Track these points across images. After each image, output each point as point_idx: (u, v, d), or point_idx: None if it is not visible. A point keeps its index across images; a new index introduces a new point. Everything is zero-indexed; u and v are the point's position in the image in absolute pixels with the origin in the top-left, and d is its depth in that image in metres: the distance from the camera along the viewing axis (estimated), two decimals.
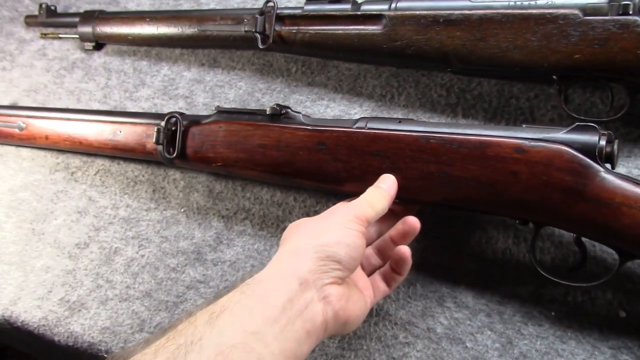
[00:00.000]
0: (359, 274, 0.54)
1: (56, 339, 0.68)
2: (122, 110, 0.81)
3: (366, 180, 0.57)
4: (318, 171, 0.61)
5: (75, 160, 0.80)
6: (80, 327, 0.68)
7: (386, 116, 0.70)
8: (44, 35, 0.93)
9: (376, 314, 0.59)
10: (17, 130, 0.80)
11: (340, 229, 0.49)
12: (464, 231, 0.61)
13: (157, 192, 0.74)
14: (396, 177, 0.56)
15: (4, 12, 0.98)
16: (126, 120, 0.73)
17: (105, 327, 0.67)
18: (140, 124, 0.72)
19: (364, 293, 0.52)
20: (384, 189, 0.54)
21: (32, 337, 0.71)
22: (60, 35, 0.91)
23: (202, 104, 0.78)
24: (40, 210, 0.77)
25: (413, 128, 0.57)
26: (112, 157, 0.78)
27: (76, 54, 0.89)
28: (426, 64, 0.68)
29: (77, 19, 0.88)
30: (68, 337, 0.68)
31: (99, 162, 0.78)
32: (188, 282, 0.67)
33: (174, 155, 0.68)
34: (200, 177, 0.73)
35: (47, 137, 0.78)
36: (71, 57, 0.89)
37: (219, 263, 0.67)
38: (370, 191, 0.54)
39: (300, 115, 0.63)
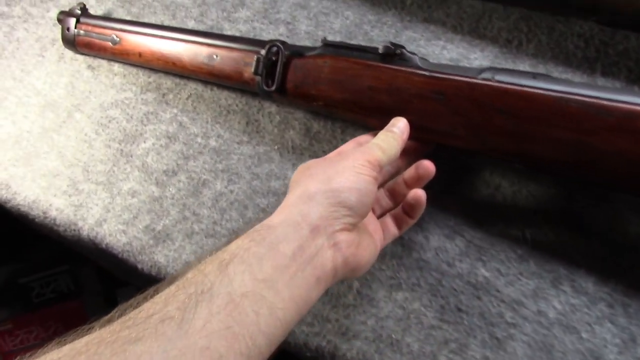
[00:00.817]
0: (370, 217, 0.54)
1: (139, 266, 0.68)
2: (219, 31, 0.76)
3: (485, 139, 0.51)
4: (431, 123, 0.56)
5: (167, 82, 0.77)
6: (164, 258, 0.67)
7: (510, 66, 0.62)
8: None
9: (480, 286, 0.55)
10: (110, 44, 0.77)
11: (351, 174, 0.48)
12: (592, 208, 0.54)
13: (250, 124, 0.70)
14: (524, 142, 0.50)
15: None
16: (224, 44, 0.68)
17: (189, 262, 0.66)
18: (239, 50, 0.67)
19: (374, 237, 0.52)
20: (396, 133, 0.53)
21: (116, 260, 0.71)
22: None
23: (304, 32, 0.72)
24: (130, 130, 0.75)
25: (551, 86, 0.50)
26: (205, 82, 0.74)
27: None
28: (568, 8, 0.60)
29: None
30: (151, 267, 0.67)
31: (192, 86, 0.75)
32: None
33: (273, 88, 0.63)
34: (297, 113, 0.68)
35: (140, 54, 0.75)
36: None
37: None
38: (382, 135, 0.53)
39: (417, 57, 0.57)
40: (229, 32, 0.77)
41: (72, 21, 0.81)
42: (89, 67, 0.83)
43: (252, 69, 0.64)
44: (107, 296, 1.50)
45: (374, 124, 0.61)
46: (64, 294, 1.48)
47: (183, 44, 0.72)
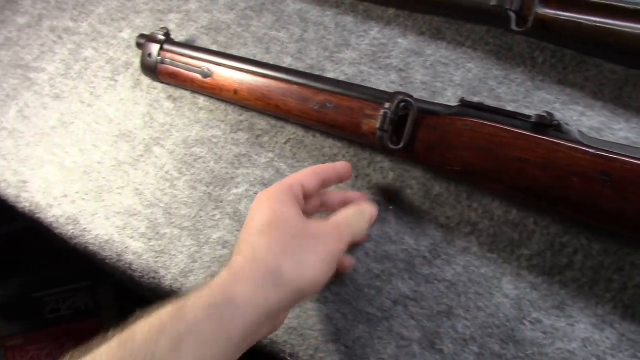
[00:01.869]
0: None
1: None
2: (320, 72, 0.72)
3: None
4: (592, 205, 0.52)
5: (262, 122, 0.72)
6: None
7: None
8: None
9: None
10: (200, 77, 0.73)
11: (323, 267, 0.49)
12: None
13: (359, 179, 0.66)
14: None
15: None
16: (340, 91, 0.65)
17: (292, 327, 0.61)
18: (358, 99, 0.63)
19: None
20: (368, 218, 0.56)
21: None
22: None
23: (420, 81, 0.69)
24: (219, 173, 0.71)
25: None
26: (307, 128, 0.70)
27: None
28: None
29: None
30: None
31: (290, 130, 0.71)
32: (395, 295, 0.60)
33: (400, 146, 0.59)
34: (414, 172, 0.64)
35: (235, 92, 0.71)
36: None
37: (435, 281, 0.60)
38: (357, 216, 0.55)
39: (576, 131, 0.53)
40: (331, 74, 0.72)
41: (155, 47, 0.76)
42: (170, 97, 0.78)
43: (378, 124, 0.60)
44: (125, 316, 1.44)
45: (514, 195, 0.58)
46: (81, 311, 1.44)
47: (289, 86, 0.67)
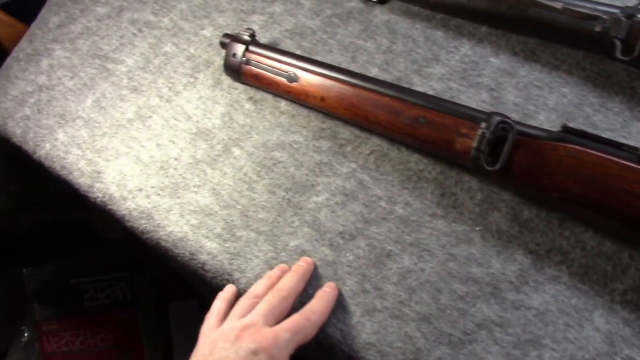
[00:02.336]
0: None
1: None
2: (408, 85, 0.72)
3: None
4: None
5: (345, 132, 0.72)
6: (339, 333, 0.62)
7: None
8: None
9: None
10: (285, 81, 0.73)
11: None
12: None
13: (446, 197, 0.65)
14: None
15: None
16: (434, 107, 0.64)
17: (370, 343, 0.61)
18: (453, 116, 0.63)
19: None
20: (330, 303, 0.63)
21: None
22: None
23: (512, 102, 0.68)
24: (299, 179, 0.71)
25: None
26: (393, 140, 0.70)
27: (353, 2, 0.81)
28: None
29: None
30: (325, 339, 0.62)
31: (374, 141, 0.71)
32: (479, 319, 0.59)
33: (496, 167, 0.58)
34: (503, 194, 0.64)
35: (322, 99, 0.71)
36: (347, 5, 0.80)
37: (522, 308, 0.59)
38: (323, 309, 0.62)
39: None
40: (419, 88, 0.72)
41: (240, 48, 0.76)
42: (251, 99, 0.78)
43: (474, 144, 0.60)
44: (160, 310, 1.46)
45: (614, 227, 0.57)
46: (118, 302, 1.45)
47: (380, 97, 0.67)
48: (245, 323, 0.57)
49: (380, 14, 0.79)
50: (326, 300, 0.62)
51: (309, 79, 0.72)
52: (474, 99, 0.70)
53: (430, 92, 0.72)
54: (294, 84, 0.73)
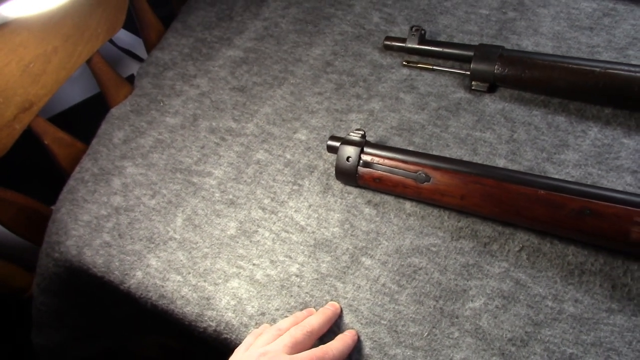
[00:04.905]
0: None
1: None
2: (542, 173, 0.72)
3: None
4: None
5: (486, 229, 0.71)
6: None
7: None
8: (408, 64, 0.85)
9: None
10: (413, 182, 0.72)
11: None
12: None
13: (617, 289, 0.65)
14: None
15: (345, 27, 0.91)
16: (601, 197, 0.64)
17: None
18: (625, 205, 0.63)
19: None
20: (349, 347, 0.67)
21: None
22: (435, 67, 0.83)
23: None
24: (447, 285, 0.69)
25: None
26: (542, 233, 0.69)
27: (458, 93, 0.82)
28: None
29: (459, 51, 0.82)
30: None
31: (521, 236, 0.70)
32: None
33: None
34: None
35: (462, 197, 0.70)
36: (453, 96, 0.82)
37: None
38: (342, 349, 0.65)
39: None
40: (556, 177, 0.72)
41: (354, 150, 0.76)
42: (369, 203, 0.77)
43: None
44: None
45: None
46: None
47: (533, 191, 0.67)
48: (266, 349, 0.62)
49: (491, 103, 0.80)
50: (345, 343, 0.67)
51: (444, 178, 0.72)
52: (618, 183, 0.71)
53: (611, 187, 0.72)
54: (426, 184, 0.73)
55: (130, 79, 1.03)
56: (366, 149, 0.77)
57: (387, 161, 0.75)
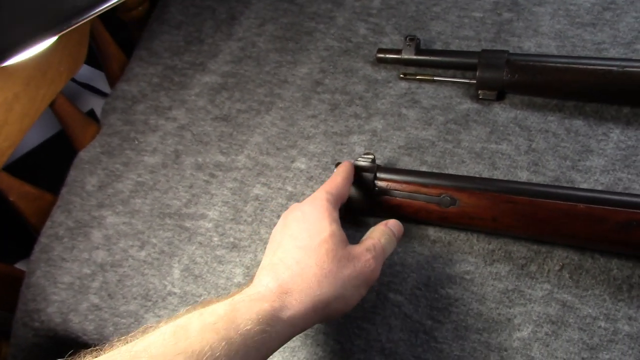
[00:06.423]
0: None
1: None
2: (569, 183, 0.69)
3: None
4: None
5: (520, 249, 0.68)
6: None
7: None
8: (406, 76, 0.81)
9: None
10: (437, 206, 0.67)
11: (360, 297, 0.57)
12: None
13: None
14: None
15: (330, 42, 0.86)
16: None
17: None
18: None
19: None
20: (397, 235, 0.64)
21: None
22: (436, 78, 0.79)
23: None
24: (489, 315, 0.67)
25: None
26: (580, 249, 0.66)
27: (465, 104, 0.78)
28: None
29: (461, 59, 0.78)
30: None
31: (560, 254, 0.67)
32: None
33: None
34: None
35: (494, 219, 0.66)
36: (459, 108, 0.77)
37: None
38: (386, 236, 0.62)
39: None
40: (584, 185, 0.70)
41: (366, 178, 0.70)
42: None
43: None
44: None
45: None
46: None
47: (573, 207, 0.64)
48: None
49: (502, 112, 0.77)
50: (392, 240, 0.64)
51: (471, 199, 0.67)
52: None
53: (599, 188, 0.69)
54: (452, 208, 0.68)
55: (90, 114, 0.95)
56: (379, 174, 0.71)
57: (405, 186, 0.70)
